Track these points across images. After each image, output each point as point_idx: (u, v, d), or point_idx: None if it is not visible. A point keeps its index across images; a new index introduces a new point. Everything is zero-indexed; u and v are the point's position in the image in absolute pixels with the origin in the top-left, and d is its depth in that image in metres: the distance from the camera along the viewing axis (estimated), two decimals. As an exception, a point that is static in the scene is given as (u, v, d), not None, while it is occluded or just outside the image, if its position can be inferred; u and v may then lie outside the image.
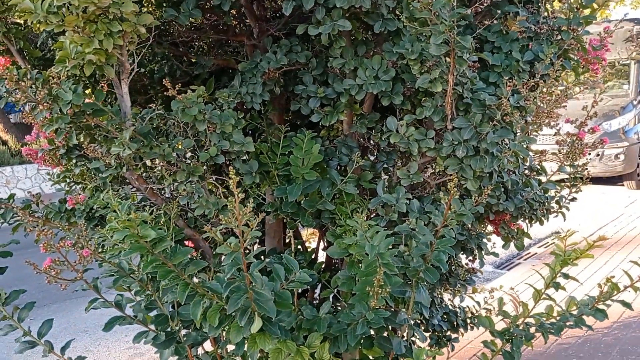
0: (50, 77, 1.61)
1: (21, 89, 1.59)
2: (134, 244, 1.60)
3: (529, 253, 6.46)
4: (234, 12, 2.43)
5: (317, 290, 2.83)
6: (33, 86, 1.63)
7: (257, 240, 2.69)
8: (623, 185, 10.03)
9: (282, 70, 2.14)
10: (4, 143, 15.16)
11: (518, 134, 1.90)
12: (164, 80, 2.42)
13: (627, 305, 2.02)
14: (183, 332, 2.15)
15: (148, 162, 2.00)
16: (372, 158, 2.37)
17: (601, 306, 2.04)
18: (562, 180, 2.36)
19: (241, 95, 2.08)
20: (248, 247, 1.66)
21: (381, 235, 1.76)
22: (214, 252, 2.25)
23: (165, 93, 2.51)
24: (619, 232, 6.74)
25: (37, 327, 2.21)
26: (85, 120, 1.73)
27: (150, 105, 2.68)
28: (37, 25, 1.50)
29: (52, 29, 1.53)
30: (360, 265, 2.12)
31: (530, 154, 2.29)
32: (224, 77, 2.50)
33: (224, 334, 2.18)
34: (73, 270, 1.85)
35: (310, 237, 3.06)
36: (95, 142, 1.85)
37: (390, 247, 1.80)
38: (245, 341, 1.78)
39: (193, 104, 1.83)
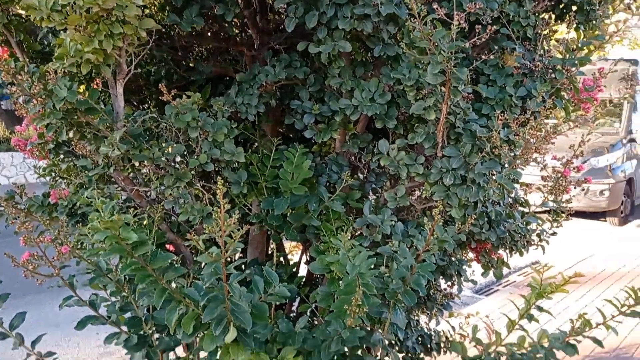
0: (47, 73, 1.61)
1: (17, 82, 1.58)
2: (114, 246, 1.59)
3: (508, 281, 6.50)
4: (236, 22, 2.45)
5: (296, 304, 2.83)
6: (29, 80, 1.62)
7: (239, 250, 2.69)
8: (606, 221, 10.15)
9: (280, 84, 2.15)
10: (-7, 128, 14.99)
11: (505, 167, 1.93)
12: (159, 83, 2.44)
13: (597, 342, 2.04)
14: (156, 336, 2.14)
15: (136, 164, 2.00)
16: (361, 177, 2.39)
17: (572, 341, 2.07)
18: (548, 211, 2.38)
19: (236, 105, 2.09)
20: (230, 256, 1.66)
21: (363, 255, 1.77)
22: (195, 259, 2.24)
23: (160, 97, 2.53)
24: (596, 267, 6.81)
25: (10, 318, 2.19)
26: (77, 118, 1.73)
27: (144, 105, 2.70)
28: (40, 22, 1.50)
29: (54, 26, 1.54)
30: (341, 282, 2.14)
31: (516, 186, 2.32)
32: (221, 85, 2.51)
33: (197, 340, 2.17)
34: (50, 266, 1.84)
35: (293, 249, 3.06)
36: (85, 140, 1.85)
37: (372, 267, 1.81)
38: (219, 350, 1.77)
39: (187, 110, 1.84)
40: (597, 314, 2.12)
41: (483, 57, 1.87)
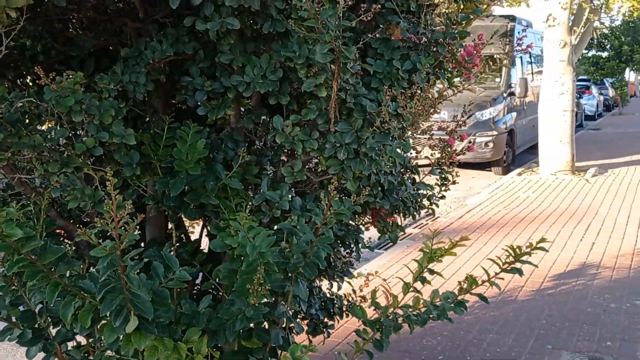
0: None
1: None
2: (-2, 244, 1.50)
3: (404, 233, 6.87)
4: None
5: (199, 279, 2.82)
6: None
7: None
8: (491, 170, 10.94)
9: (168, 60, 2.07)
10: None
11: (395, 139, 2.02)
12: (36, 58, 2.26)
13: (483, 298, 2.24)
14: (52, 326, 2.05)
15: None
16: (258, 151, 2.39)
17: (461, 299, 2.26)
18: (439, 163, 2.49)
19: (123, 83, 1.99)
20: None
21: (263, 235, 1.80)
22: (90, 252, 2.15)
23: (38, 80, 2.34)
24: (484, 215, 7.37)
25: None
26: (-58, 106, 1.57)
27: (21, 80, 2.48)
28: None
29: None
30: (242, 259, 2.16)
31: (407, 154, 2.44)
32: (105, 59, 2.36)
33: (97, 329, 2.11)
34: None
35: (194, 222, 3.03)
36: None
37: (272, 244, 1.84)
38: (120, 340, 1.75)
39: (69, 92, 1.72)
40: (485, 262, 2.30)
41: (370, 35, 1.91)
